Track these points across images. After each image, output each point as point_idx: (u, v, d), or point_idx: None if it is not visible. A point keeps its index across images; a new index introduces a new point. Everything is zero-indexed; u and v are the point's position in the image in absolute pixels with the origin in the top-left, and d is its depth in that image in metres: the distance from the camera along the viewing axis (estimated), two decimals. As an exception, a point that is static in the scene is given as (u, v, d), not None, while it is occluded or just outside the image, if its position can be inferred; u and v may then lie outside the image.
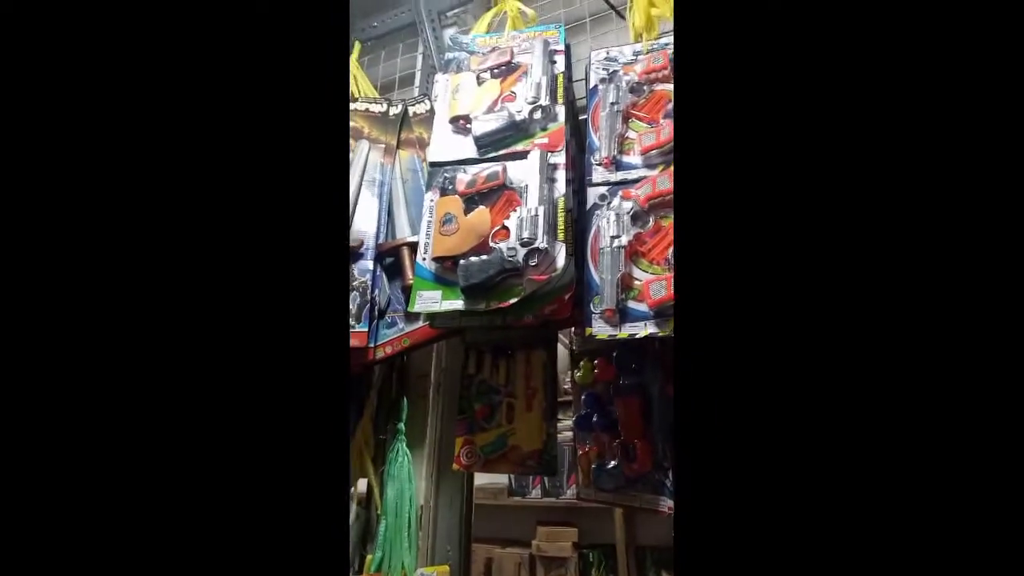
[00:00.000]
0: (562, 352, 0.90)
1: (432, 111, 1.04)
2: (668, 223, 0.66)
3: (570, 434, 1.31)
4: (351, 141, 0.93)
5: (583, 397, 0.76)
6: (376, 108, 1.01)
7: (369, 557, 0.69)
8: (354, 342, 0.70)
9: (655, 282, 0.62)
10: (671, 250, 0.63)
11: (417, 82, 1.25)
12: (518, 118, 0.73)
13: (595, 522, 2.20)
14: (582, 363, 0.79)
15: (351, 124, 0.96)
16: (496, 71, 0.81)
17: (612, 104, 0.77)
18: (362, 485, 0.78)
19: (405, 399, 0.79)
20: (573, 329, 0.78)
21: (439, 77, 1.06)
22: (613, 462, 0.66)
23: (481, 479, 2.21)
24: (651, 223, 0.66)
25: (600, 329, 0.63)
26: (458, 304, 0.63)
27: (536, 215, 0.63)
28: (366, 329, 0.72)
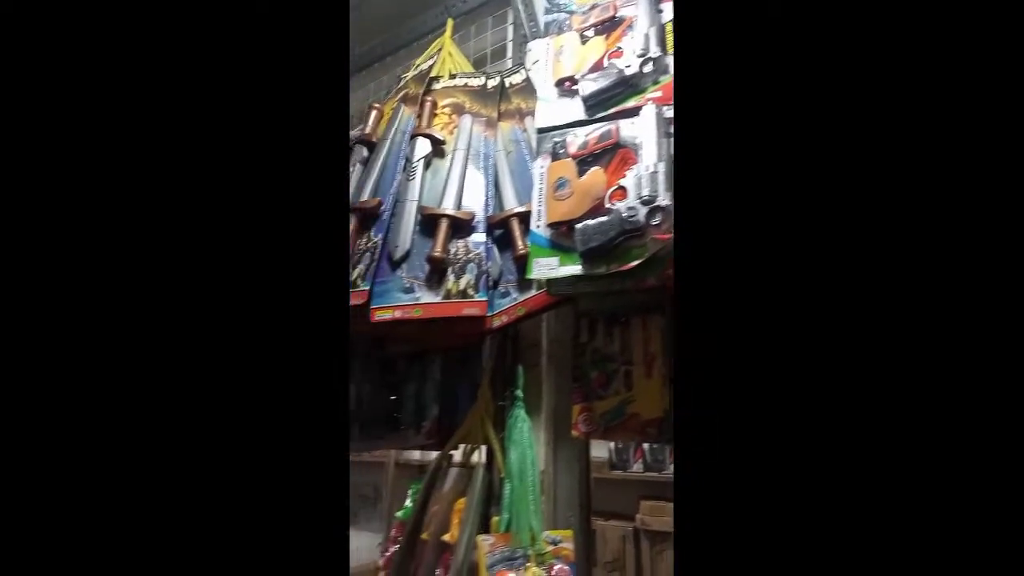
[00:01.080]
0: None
1: (528, 80, 1.02)
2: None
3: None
4: (454, 116, 0.94)
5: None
6: (474, 82, 1.02)
7: (495, 519, 0.71)
8: (474, 311, 0.72)
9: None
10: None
11: (509, 53, 1.23)
12: (627, 73, 0.70)
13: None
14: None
15: (453, 100, 0.97)
16: (600, 28, 0.78)
17: (729, 48, 0.71)
18: (481, 451, 0.80)
19: (520, 367, 0.80)
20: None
21: (540, 42, 1.05)
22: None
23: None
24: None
25: (731, 289, 0.59)
26: (576, 269, 0.62)
27: (655, 171, 0.60)
28: (485, 299, 0.73)
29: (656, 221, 0.59)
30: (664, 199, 0.59)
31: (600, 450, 2.29)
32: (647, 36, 0.71)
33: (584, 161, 0.66)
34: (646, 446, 2.24)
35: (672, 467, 2.18)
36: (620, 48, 0.73)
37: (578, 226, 0.62)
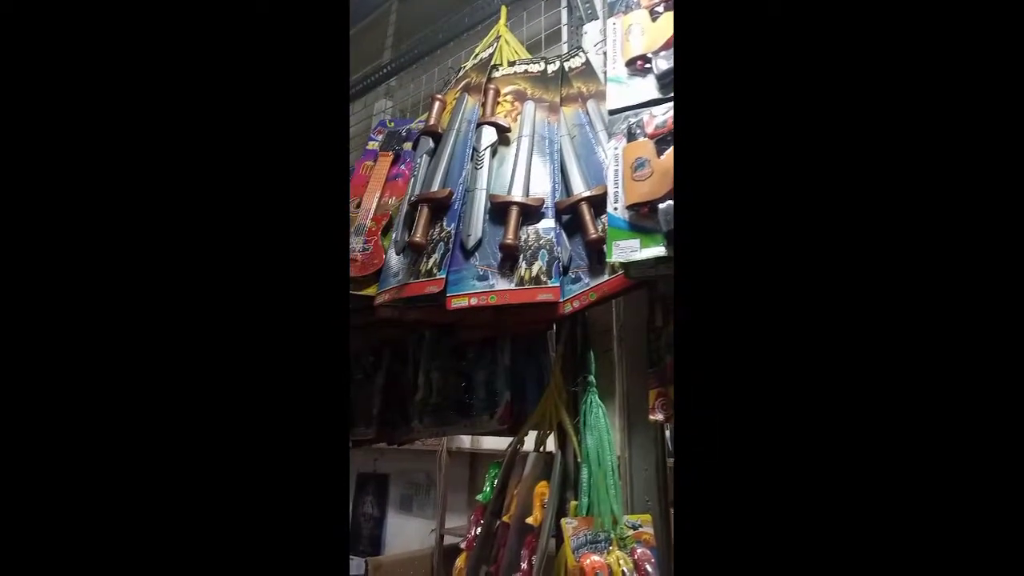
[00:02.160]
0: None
1: (588, 64, 1.01)
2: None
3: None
4: (517, 103, 0.94)
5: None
6: (534, 68, 1.01)
7: (574, 503, 0.72)
8: (548, 296, 0.72)
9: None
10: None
11: (565, 37, 1.22)
12: (703, 49, 0.67)
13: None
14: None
15: (514, 87, 0.97)
16: (670, 4, 0.75)
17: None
18: (551, 437, 0.81)
19: (592, 352, 0.79)
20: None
21: (596, 23, 1.03)
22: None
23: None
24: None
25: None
26: (659, 251, 0.61)
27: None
28: (558, 284, 0.73)
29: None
30: (752, 176, 0.57)
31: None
32: (723, 9, 0.69)
33: (663, 140, 0.65)
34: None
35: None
36: (693, 23, 0.71)
37: (662, 206, 0.61)
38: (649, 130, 0.66)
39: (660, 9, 0.76)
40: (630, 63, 0.74)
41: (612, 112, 0.72)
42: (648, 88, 0.71)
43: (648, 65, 0.71)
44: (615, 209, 0.66)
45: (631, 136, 0.68)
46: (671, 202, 0.60)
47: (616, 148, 0.69)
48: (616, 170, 0.68)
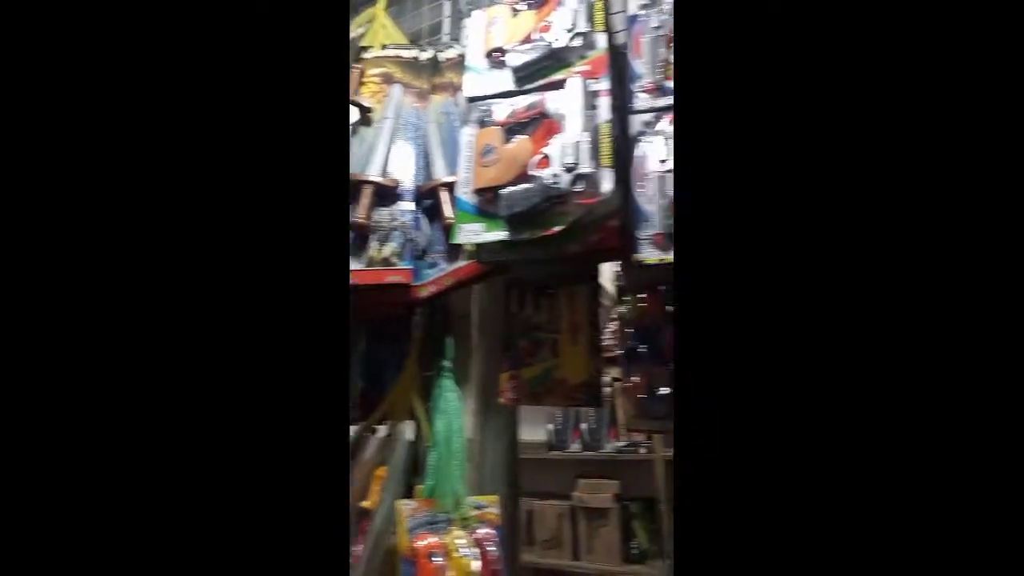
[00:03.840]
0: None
1: (463, 56, 1.02)
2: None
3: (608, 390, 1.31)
4: (384, 86, 0.92)
5: (631, 332, 0.76)
6: (407, 54, 1.00)
7: (419, 486, 0.71)
8: (399, 278, 0.71)
9: (704, 204, 0.59)
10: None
11: (446, 29, 1.22)
12: (555, 47, 0.71)
13: (636, 475, 2.22)
14: (629, 300, 0.78)
15: (382, 70, 0.95)
16: (531, 2, 0.78)
17: (655, 28, 0.73)
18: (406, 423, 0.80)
19: (451, 338, 0.80)
20: (620, 265, 0.76)
21: (473, 13, 1.04)
22: (664, 388, 0.66)
23: (520, 434, 2.26)
24: (698, 146, 0.64)
25: (649, 254, 0.61)
26: (501, 234, 0.63)
27: (578, 141, 0.62)
28: (410, 267, 0.72)
29: (579, 188, 0.61)
30: (587, 167, 0.61)
31: (538, 432, 2.33)
32: (576, 12, 0.72)
33: (511, 130, 0.67)
34: (584, 426, 2.30)
35: (609, 445, 2.26)
36: (549, 22, 0.74)
37: (503, 192, 0.62)
38: (499, 119, 0.68)
39: (521, 7, 0.78)
40: (489, 54, 0.75)
41: (469, 100, 0.73)
42: (504, 80, 0.72)
43: (504, 58, 0.73)
44: (464, 193, 0.67)
45: (482, 124, 0.69)
46: (512, 188, 0.62)
47: (470, 134, 0.70)
48: (468, 155, 0.69)
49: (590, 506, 2.19)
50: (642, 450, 2.16)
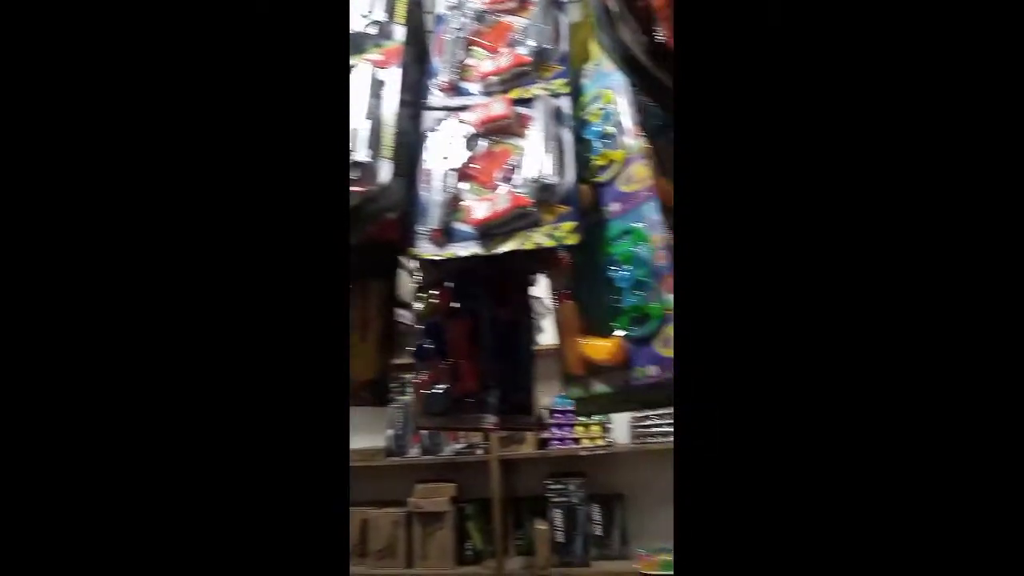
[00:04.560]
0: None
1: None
2: (500, 148, 0.66)
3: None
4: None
5: (422, 328, 0.75)
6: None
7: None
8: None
9: (481, 203, 0.61)
10: (498, 173, 0.63)
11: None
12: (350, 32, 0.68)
13: (473, 477, 2.26)
14: (423, 296, 0.78)
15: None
16: None
17: (456, 30, 0.75)
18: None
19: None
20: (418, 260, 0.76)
21: None
22: (442, 385, 0.66)
23: (358, 441, 2.16)
24: (483, 147, 0.66)
25: (424, 249, 0.61)
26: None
27: (355, 128, 0.60)
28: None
29: (355, 175, 0.59)
30: (363, 155, 0.59)
31: (377, 439, 2.26)
32: (372, 0, 0.71)
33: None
34: (424, 433, 2.28)
35: (447, 448, 2.26)
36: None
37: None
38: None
39: None
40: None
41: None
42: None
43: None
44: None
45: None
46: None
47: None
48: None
49: (426, 511, 2.17)
50: (479, 451, 2.20)
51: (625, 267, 0.59)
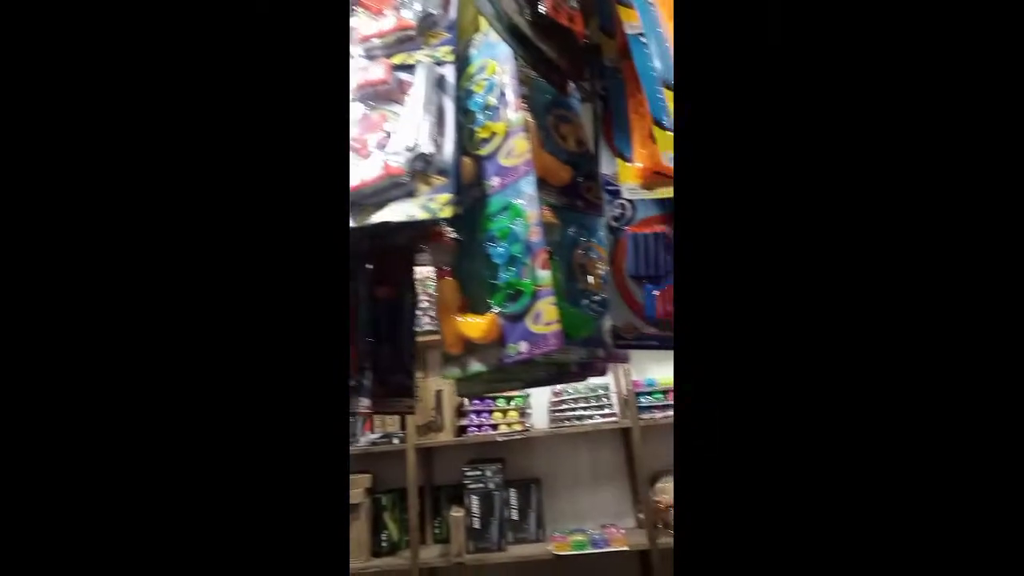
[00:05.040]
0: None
1: None
2: (377, 114, 0.62)
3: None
4: None
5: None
6: None
7: None
8: None
9: (352, 170, 0.57)
10: (373, 139, 0.60)
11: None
12: None
13: (390, 467, 2.21)
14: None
15: None
16: None
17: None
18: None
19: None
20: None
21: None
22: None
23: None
24: (360, 112, 0.62)
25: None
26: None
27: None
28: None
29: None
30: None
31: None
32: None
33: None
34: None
35: (363, 438, 2.19)
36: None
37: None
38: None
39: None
40: None
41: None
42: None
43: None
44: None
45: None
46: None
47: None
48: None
49: (338, 503, 2.09)
50: (395, 441, 2.15)
51: (502, 243, 0.57)
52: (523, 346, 0.54)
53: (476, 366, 0.58)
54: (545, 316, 0.53)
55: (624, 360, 0.66)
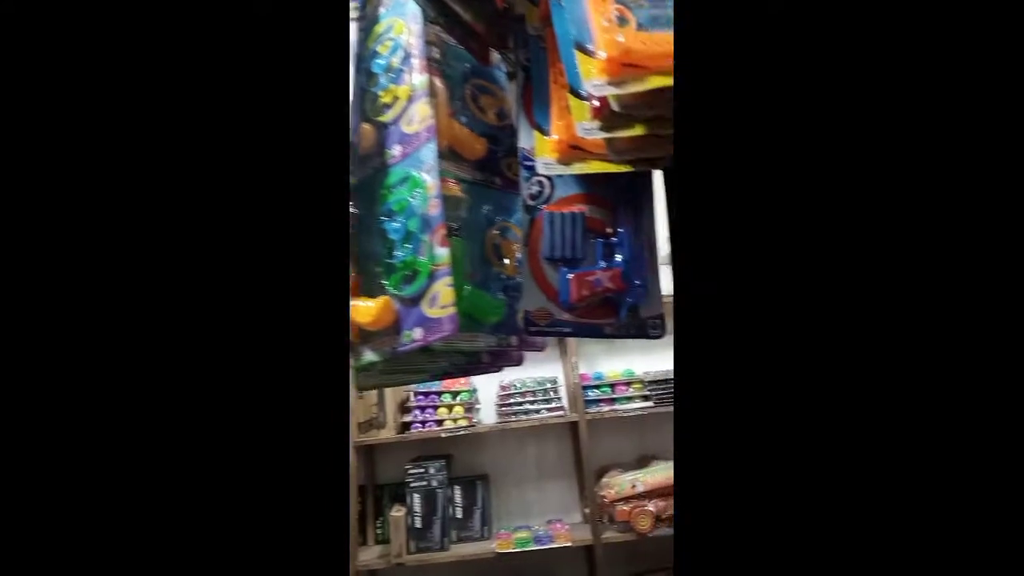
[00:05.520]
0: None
1: None
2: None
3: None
4: None
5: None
6: None
7: None
8: None
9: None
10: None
11: None
12: None
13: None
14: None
15: None
16: None
17: None
18: None
19: None
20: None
21: None
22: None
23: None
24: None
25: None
26: None
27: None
28: None
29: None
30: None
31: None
32: None
33: None
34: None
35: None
36: None
37: None
38: None
39: None
40: None
41: None
42: None
43: None
44: None
45: None
46: None
47: None
48: None
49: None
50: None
51: (399, 218, 0.51)
52: (417, 332, 0.48)
53: (369, 355, 0.52)
54: (441, 299, 0.47)
55: (540, 348, 0.62)
